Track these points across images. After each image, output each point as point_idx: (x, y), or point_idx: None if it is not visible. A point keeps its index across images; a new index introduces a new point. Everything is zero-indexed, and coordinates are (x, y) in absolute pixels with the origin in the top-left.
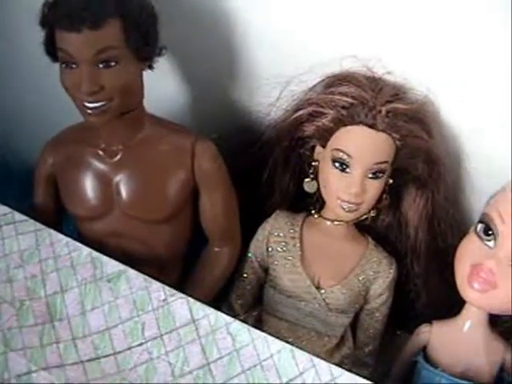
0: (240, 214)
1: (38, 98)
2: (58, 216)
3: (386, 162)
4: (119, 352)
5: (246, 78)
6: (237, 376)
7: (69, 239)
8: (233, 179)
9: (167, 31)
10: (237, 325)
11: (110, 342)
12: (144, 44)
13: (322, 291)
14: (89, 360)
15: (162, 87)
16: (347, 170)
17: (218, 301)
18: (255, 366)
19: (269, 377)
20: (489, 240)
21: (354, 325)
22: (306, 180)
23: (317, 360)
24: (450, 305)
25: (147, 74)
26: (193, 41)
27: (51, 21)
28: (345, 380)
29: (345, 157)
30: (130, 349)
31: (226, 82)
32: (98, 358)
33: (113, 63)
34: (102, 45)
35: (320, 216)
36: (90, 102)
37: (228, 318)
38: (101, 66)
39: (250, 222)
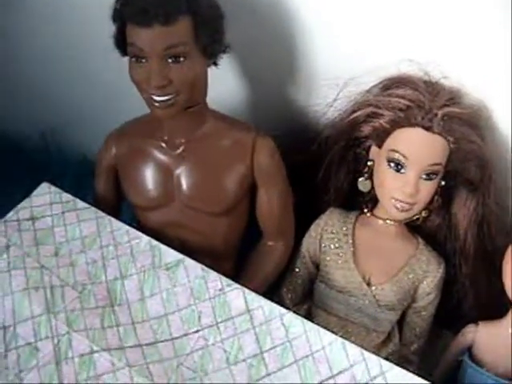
0: (294, 210)
1: (96, 90)
2: (117, 206)
3: (439, 163)
4: (176, 338)
5: (304, 78)
6: (289, 366)
7: (129, 227)
8: (288, 176)
9: (230, 30)
10: (290, 316)
11: (168, 327)
12: (212, 41)
13: (373, 288)
14: (147, 344)
15: (224, 84)
16: (402, 170)
17: (269, 293)
18: (307, 356)
19: (320, 368)
20: None
21: (400, 322)
22: (361, 179)
23: (367, 354)
24: (497, 306)
25: (210, 71)
26: (254, 40)
27: (123, 15)
28: (394, 374)
29: (401, 158)
30: (186, 335)
31: (285, 81)
32: (156, 343)
33: (181, 59)
34: (172, 41)
35: (372, 215)
36: (158, 96)
37: (282, 310)
38: (169, 60)
39: (303, 218)
